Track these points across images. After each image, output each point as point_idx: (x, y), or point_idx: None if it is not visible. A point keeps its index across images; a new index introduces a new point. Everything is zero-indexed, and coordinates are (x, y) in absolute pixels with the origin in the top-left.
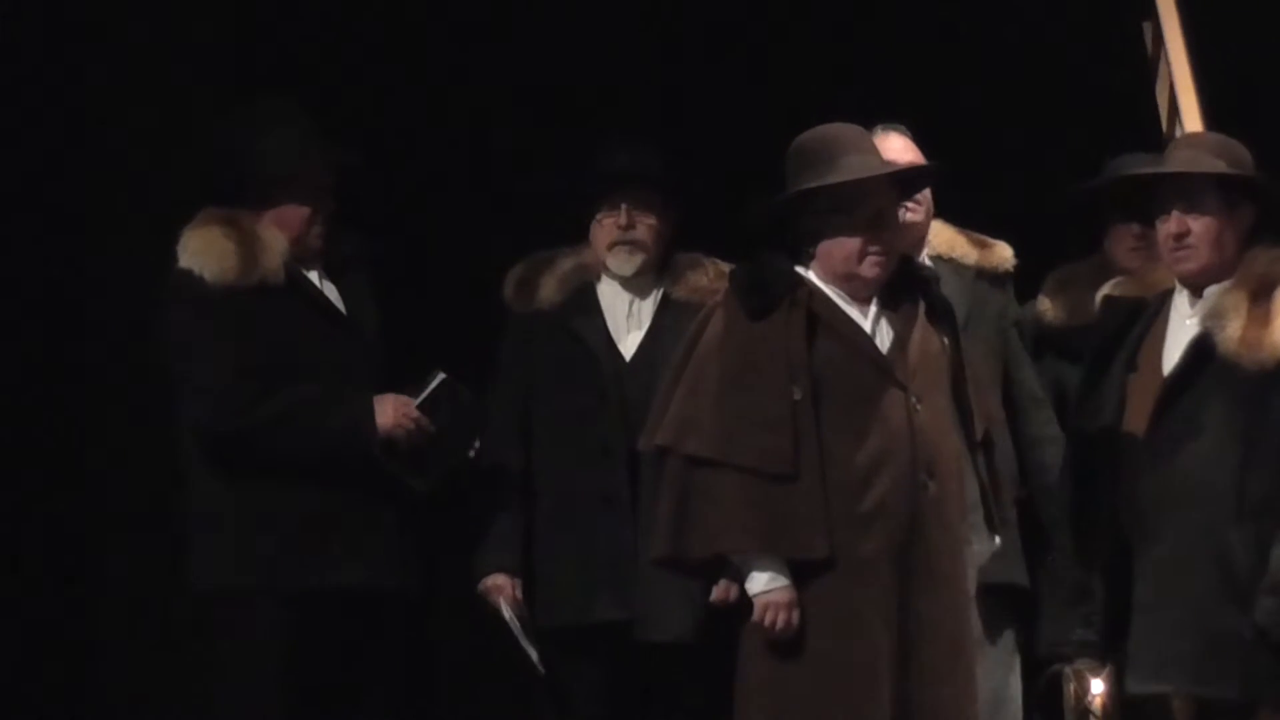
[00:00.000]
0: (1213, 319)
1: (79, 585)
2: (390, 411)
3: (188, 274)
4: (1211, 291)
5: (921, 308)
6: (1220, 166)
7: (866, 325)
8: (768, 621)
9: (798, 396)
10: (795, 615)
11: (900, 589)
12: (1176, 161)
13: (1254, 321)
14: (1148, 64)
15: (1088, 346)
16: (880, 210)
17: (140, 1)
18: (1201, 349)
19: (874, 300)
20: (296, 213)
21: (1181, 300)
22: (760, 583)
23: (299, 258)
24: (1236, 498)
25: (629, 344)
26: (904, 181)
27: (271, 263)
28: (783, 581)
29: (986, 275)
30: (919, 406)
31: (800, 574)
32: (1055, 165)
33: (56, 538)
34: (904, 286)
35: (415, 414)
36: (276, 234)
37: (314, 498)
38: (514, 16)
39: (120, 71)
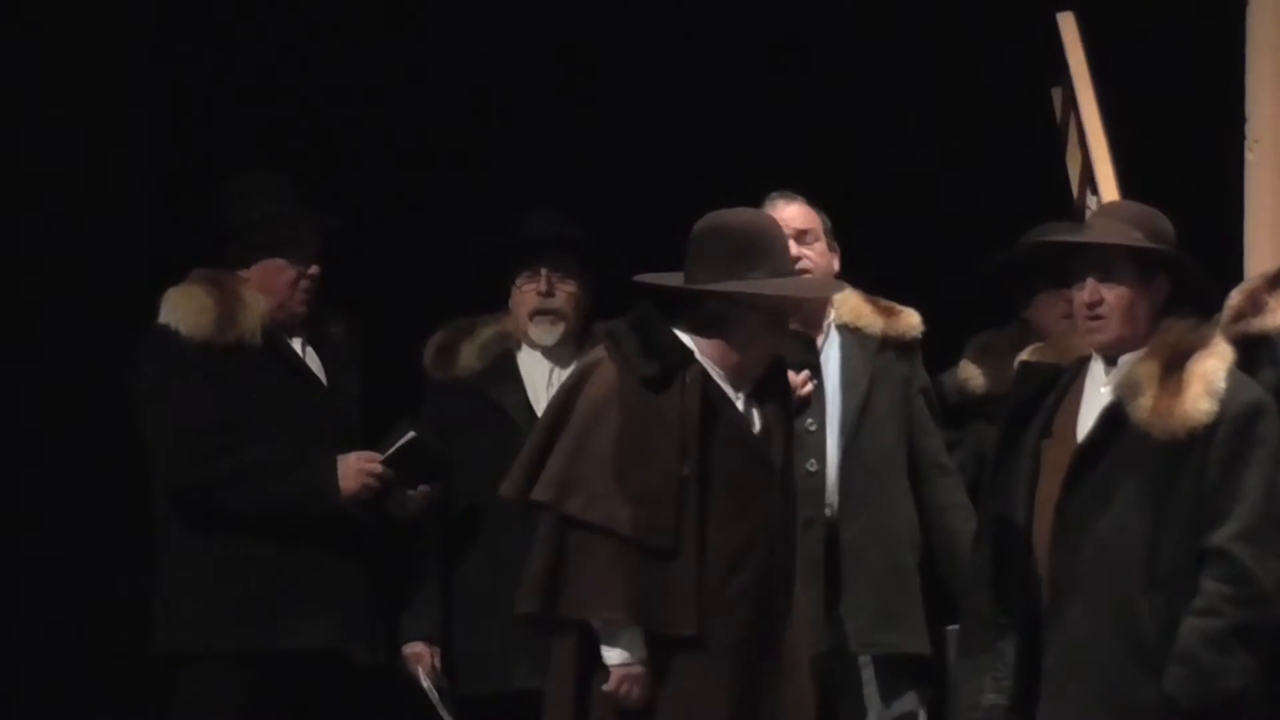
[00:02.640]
0: (1125, 388)
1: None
2: (353, 473)
3: (164, 329)
4: (1125, 360)
5: (774, 387)
6: (1137, 238)
7: (741, 408)
8: (622, 693)
9: (686, 473)
10: (647, 692)
11: (756, 674)
12: (1094, 231)
13: (1166, 392)
14: (1057, 130)
15: (1003, 411)
16: (789, 319)
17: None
18: (1113, 418)
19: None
20: (280, 274)
21: (1097, 368)
22: (619, 655)
23: (282, 323)
24: (1146, 567)
25: None
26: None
27: (249, 323)
28: (641, 655)
29: (892, 343)
30: (782, 493)
31: (662, 649)
32: (966, 234)
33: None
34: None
35: (379, 470)
36: (258, 296)
37: (278, 559)
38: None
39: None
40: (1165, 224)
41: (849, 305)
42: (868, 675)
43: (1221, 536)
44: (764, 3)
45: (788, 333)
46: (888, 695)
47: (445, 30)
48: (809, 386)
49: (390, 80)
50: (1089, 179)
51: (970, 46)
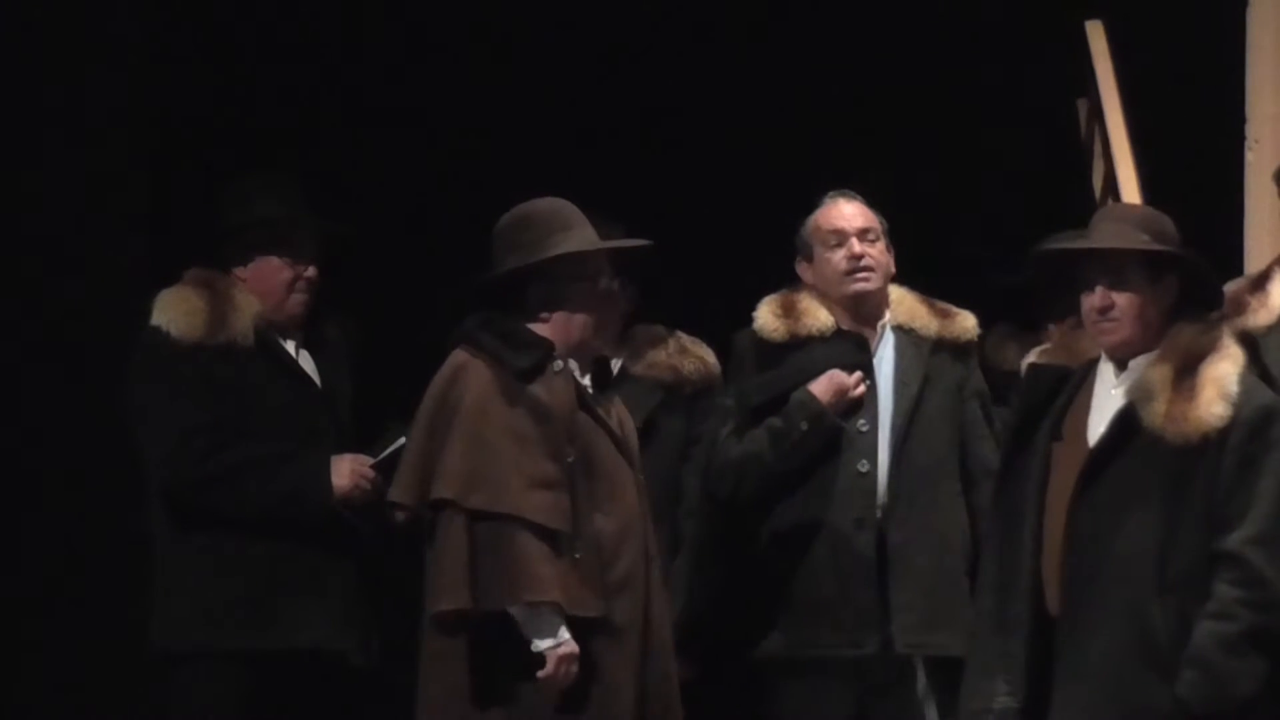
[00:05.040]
0: (1138, 392)
1: (31, 643)
2: (347, 473)
3: (155, 330)
4: (1137, 364)
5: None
6: (1145, 240)
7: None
8: (560, 674)
9: (570, 459)
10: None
11: (640, 658)
12: (1101, 235)
13: (1179, 396)
14: (1080, 141)
15: (1011, 413)
16: (611, 284)
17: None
18: (1127, 422)
19: (587, 374)
20: (276, 273)
21: (1106, 370)
22: (552, 637)
23: (277, 325)
24: (1159, 570)
25: None
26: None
27: (240, 324)
28: (569, 635)
29: (947, 345)
30: (641, 483)
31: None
32: (988, 242)
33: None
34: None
35: (371, 474)
36: (250, 298)
37: (272, 559)
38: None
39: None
40: (1170, 225)
41: (905, 306)
42: (920, 677)
43: (1235, 540)
44: (786, 11)
45: (610, 296)
46: (940, 697)
47: (447, 31)
48: (861, 388)
49: (392, 81)
50: (1112, 188)
51: (993, 57)
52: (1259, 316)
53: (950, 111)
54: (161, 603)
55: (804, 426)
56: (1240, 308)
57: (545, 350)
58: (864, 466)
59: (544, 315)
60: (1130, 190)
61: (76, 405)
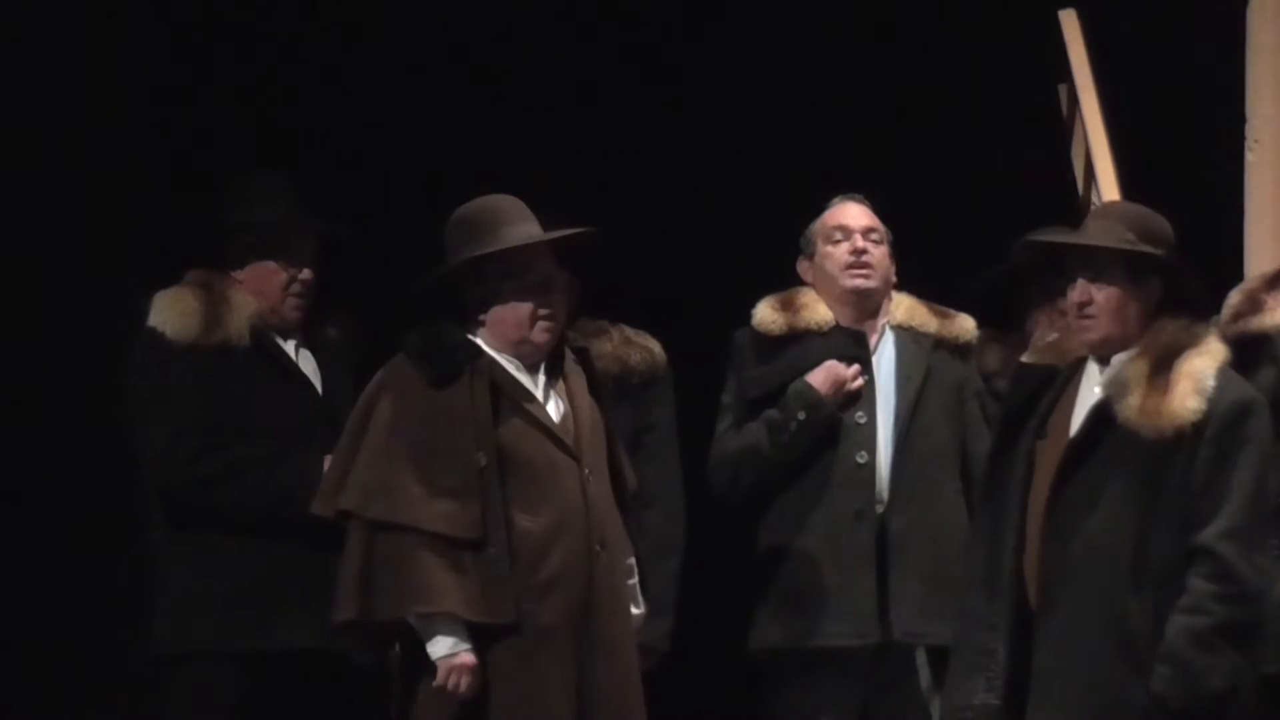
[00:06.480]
0: (1114, 387)
1: (29, 645)
2: None
3: (151, 331)
4: (1117, 360)
5: (583, 378)
6: (1128, 239)
7: (538, 395)
8: (451, 685)
9: (483, 463)
10: (477, 680)
11: (578, 657)
12: (1086, 232)
13: (1154, 391)
14: (1063, 127)
15: (998, 412)
16: (547, 276)
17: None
18: (1102, 417)
19: (541, 369)
20: (271, 276)
21: (1092, 368)
22: (444, 647)
23: (275, 326)
24: (1135, 566)
25: None
26: (565, 248)
27: (236, 325)
28: (465, 646)
29: (947, 345)
30: (590, 477)
31: (483, 640)
32: (971, 231)
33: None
34: (564, 356)
35: None
36: (247, 298)
37: (270, 559)
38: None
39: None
40: (1160, 224)
41: (904, 307)
42: (924, 672)
43: (1209, 535)
44: (768, 2)
45: (546, 288)
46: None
47: (446, 30)
48: (859, 381)
49: (392, 82)
50: (1093, 175)
51: (977, 42)
52: (1276, 315)
53: (939, 107)
54: (161, 603)
55: (801, 416)
56: (1257, 306)
57: (463, 355)
58: (863, 458)
59: (480, 317)
60: (1106, 177)
61: (77, 405)
